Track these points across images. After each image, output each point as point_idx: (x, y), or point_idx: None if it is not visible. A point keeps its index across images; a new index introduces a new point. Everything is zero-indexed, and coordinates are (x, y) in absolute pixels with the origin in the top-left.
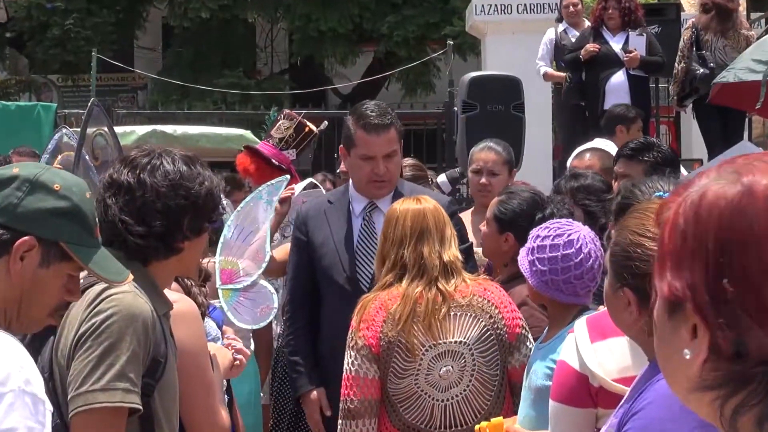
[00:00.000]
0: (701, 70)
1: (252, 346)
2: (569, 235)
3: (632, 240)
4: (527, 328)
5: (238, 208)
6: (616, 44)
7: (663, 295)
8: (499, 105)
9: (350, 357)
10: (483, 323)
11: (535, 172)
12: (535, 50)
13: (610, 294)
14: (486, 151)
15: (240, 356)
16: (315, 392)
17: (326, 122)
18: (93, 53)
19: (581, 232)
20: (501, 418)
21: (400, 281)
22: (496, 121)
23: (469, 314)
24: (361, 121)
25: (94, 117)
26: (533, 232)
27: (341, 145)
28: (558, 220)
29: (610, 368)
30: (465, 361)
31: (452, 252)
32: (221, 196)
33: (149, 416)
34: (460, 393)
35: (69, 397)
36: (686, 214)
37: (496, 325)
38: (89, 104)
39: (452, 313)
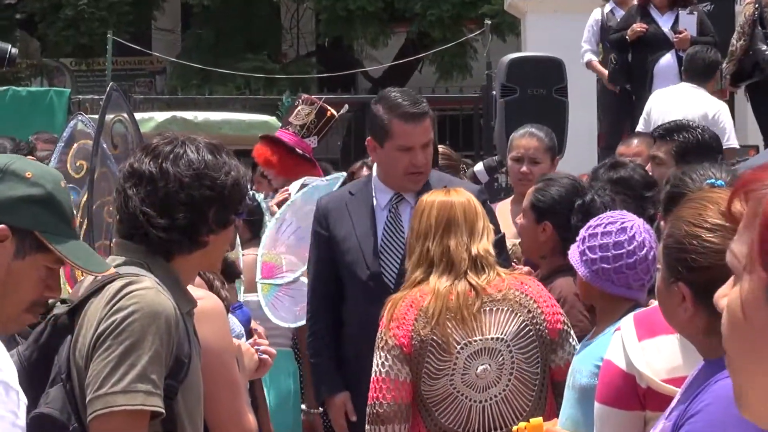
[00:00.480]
0: None
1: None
2: (623, 222)
3: (688, 231)
4: (569, 324)
5: (289, 202)
6: (664, 24)
7: None
8: (540, 88)
9: (380, 358)
10: (521, 318)
11: (579, 159)
12: (578, 29)
13: (662, 289)
14: (527, 138)
15: (266, 356)
16: (340, 396)
17: (347, 106)
18: (108, 35)
19: (635, 221)
20: (540, 418)
21: (429, 277)
22: (537, 106)
23: (505, 308)
24: (397, 110)
25: (113, 103)
26: (585, 225)
27: (369, 137)
28: (611, 212)
29: (658, 368)
30: (503, 359)
31: (483, 245)
32: (248, 186)
33: (172, 419)
34: (499, 393)
35: (87, 399)
36: None
37: (535, 320)
38: (108, 89)
39: (487, 308)
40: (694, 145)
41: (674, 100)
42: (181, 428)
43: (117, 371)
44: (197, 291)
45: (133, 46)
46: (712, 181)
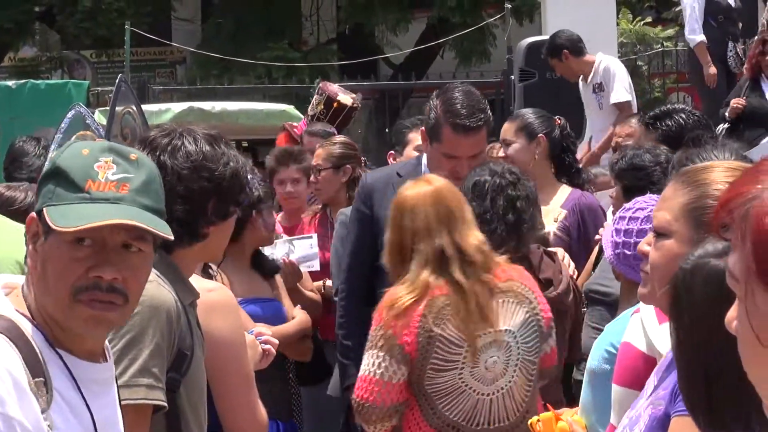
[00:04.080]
0: None
1: None
2: (651, 210)
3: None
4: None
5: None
6: None
7: None
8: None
9: (375, 357)
10: (525, 309)
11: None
12: (598, 12)
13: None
14: (505, 122)
15: (268, 346)
16: None
17: (360, 95)
18: (126, 26)
19: None
20: (551, 413)
21: (441, 274)
22: (556, 90)
23: (512, 300)
24: (450, 118)
25: (122, 95)
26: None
27: (423, 128)
28: (648, 196)
29: None
30: (511, 351)
31: (477, 236)
32: (248, 176)
33: (175, 413)
34: (505, 385)
35: None
36: None
37: (536, 311)
38: (117, 81)
39: (498, 300)
40: (676, 131)
41: None
42: (185, 421)
43: (118, 366)
44: (209, 283)
45: (152, 36)
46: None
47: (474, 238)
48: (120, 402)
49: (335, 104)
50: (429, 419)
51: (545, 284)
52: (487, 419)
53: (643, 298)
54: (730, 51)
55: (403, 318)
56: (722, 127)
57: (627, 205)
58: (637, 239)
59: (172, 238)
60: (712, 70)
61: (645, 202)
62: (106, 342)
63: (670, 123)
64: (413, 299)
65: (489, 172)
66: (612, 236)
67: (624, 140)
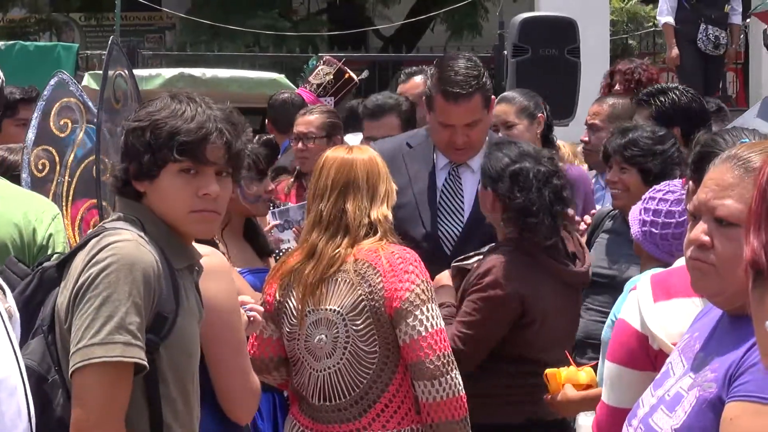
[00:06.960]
0: None
1: None
2: (682, 194)
3: None
4: (419, 301)
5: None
6: None
7: (746, 259)
8: (553, 49)
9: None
10: (359, 292)
11: None
12: None
13: None
14: (498, 104)
15: (254, 313)
16: None
17: (367, 72)
18: None
19: None
20: (574, 368)
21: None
22: (549, 66)
23: (347, 280)
24: (442, 85)
25: (114, 58)
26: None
27: (424, 97)
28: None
29: (672, 331)
30: (338, 332)
31: (382, 211)
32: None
33: (153, 376)
34: (333, 366)
35: (70, 353)
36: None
37: (373, 296)
38: (109, 44)
39: (335, 278)
40: (669, 108)
41: None
42: (164, 385)
43: (95, 324)
44: (203, 248)
45: (142, 1)
46: (746, 140)
47: (375, 212)
48: (95, 359)
49: (346, 75)
50: (292, 382)
51: (571, 258)
52: (318, 395)
53: (709, 294)
54: (701, 33)
55: (273, 280)
56: None
57: (657, 187)
58: (665, 219)
59: None
60: (674, 52)
61: (675, 185)
62: None
63: (663, 99)
64: (282, 262)
65: (529, 159)
66: (642, 214)
67: (603, 120)
